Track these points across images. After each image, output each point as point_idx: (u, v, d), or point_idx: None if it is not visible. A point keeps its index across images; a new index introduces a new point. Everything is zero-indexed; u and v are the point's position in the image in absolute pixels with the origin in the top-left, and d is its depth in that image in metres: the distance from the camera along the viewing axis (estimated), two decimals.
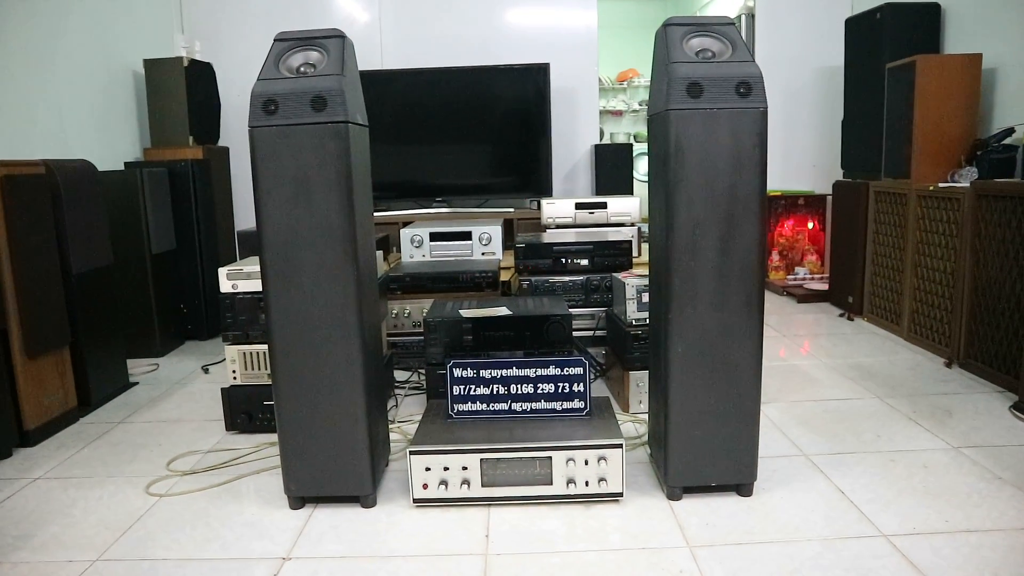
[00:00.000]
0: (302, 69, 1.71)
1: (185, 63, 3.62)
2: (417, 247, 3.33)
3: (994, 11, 3.14)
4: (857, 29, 3.69)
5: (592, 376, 2.78)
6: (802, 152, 4.60)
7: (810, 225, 4.45)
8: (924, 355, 2.98)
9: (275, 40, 1.74)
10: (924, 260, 3.07)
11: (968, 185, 2.76)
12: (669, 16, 1.75)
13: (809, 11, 4.46)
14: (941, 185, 2.95)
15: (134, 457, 2.20)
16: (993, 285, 2.60)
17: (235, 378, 2.31)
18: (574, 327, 2.68)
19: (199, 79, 3.74)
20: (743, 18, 4.93)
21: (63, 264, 2.51)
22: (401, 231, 3.36)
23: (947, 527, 1.64)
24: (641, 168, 6.30)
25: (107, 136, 3.56)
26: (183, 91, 3.62)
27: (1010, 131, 2.93)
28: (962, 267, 2.77)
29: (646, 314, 2.34)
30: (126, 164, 3.55)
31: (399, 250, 3.46)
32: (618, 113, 6.88)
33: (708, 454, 1.77)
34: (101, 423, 2.51)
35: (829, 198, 4.25)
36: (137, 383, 2.92)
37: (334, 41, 1.71)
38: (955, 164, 3.08)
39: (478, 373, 1.95)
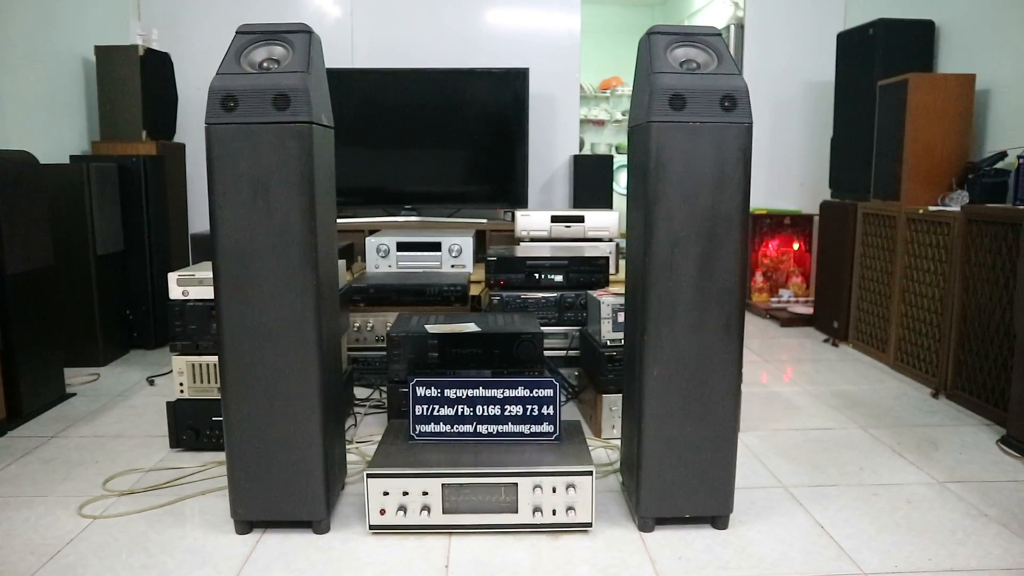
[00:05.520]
0: (265, 65, 1.70)
1: (140, 52, 3.59)
2: (383, 257, 3.32)
3: (988, 31, 3.24)
4: (849, 44, 3.77)
5: (563, 399, 2.79)
6: (789, 170, 4.68)
7: (796, 246, 4.51)
8: (910, 384, 3.03)
9: (237, 32, 1.73)
10: (912, 286, 3.13)
11: (959, 209, 2.82)
12: (655, 24, 1.77)
13: (800, 24, 4.55)
14: (931, 208, 3.01)
15: (67, 475, 2.16)
16: (982, 313, 2.66)
17: (182, 391, 2.28)
18: (546, 346, 2.69)
19: (155, 70, 3.71)
20: (731, 28, 5.01)
21: None
22: (366, 239, 3.35)
23: (930, 566, 1.67)
24: (622, 181, 6.36)
25: (52, 127, 3.51)
26: (137, 82, 3.59)
27: (1003, 155, 3.01)
28: (951, 294, 2.83)
29: (622, 334, 2.36)
30: (72, 158, 3.50)
31: (364, 259, 3.45)
32: (600, 123, 6.95)
33: (683, 484, 1.78)
34: (32, 437, 2.46)
35: (816, 218, 4.32)
36: (75, 394, 2.87)
37: (300, 36, 1.71)
38: (946, 187, 3.15)
39: (442, 392, 1.94)
